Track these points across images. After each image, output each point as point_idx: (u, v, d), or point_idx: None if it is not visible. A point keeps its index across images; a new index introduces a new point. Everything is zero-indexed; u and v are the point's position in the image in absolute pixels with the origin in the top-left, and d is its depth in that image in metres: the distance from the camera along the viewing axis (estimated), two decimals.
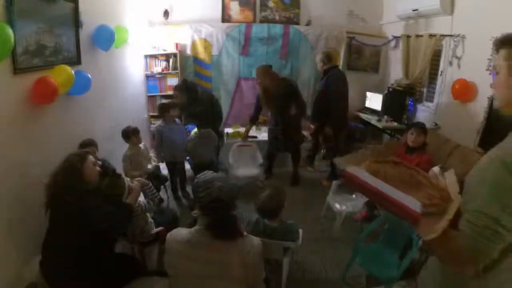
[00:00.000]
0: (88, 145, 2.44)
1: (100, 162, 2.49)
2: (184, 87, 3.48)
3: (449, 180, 0.81)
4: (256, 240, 1.39)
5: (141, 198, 2.13)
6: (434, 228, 0.71)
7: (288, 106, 3.41)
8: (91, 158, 1.82)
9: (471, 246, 0.79)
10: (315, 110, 3.74)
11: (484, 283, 0.89)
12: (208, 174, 1.41)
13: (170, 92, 4.29)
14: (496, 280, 0.88)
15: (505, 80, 0.87)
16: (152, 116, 4.45)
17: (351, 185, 0.78)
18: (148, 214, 2.21)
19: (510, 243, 0.83)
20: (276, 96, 3.39)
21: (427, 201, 0.74)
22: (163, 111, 3.19)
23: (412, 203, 0.69)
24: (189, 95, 3.43)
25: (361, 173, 0.73)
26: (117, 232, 1.76)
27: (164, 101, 4.08)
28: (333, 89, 3.41)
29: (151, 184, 2.24)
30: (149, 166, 3.02)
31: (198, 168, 3.23)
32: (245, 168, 3.63)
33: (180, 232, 1.38)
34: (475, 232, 0.79)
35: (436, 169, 0.85)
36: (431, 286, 1.05)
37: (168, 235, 1.38)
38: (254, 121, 3.80)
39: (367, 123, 4.42)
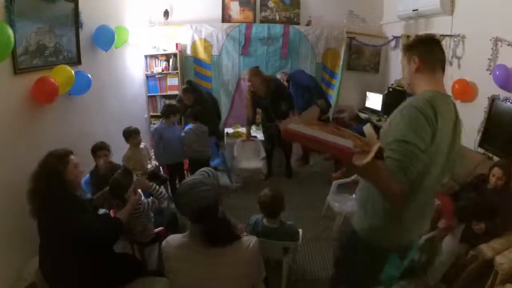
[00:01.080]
0: (101, 148, 2.39)
1: (117, 164, 2.44)
2: (191, 88, 3.53)
3: (367, 131, 0.97)
4: (252, 238, 1.39)
5: (143, 197, 2.12)
6: (364, 159, 0.86)
7: (280, 103, 3.59)
8: (72, 158, 1.69)
9: (398, 166, 1.02)
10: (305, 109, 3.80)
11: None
12: (188, 181, 1.36)
13: (171, 92, 4.32)
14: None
15: (406, 73, 1.30)
16: (153, 116, 4.45)
17: (291, 139, 0.97)
18: (150, 213, 2.20)
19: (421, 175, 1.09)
20: (268, 95, 3.52)
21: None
22: (169, 113, 3.17)
23: (344, 142, 0.86)
24: (195, 96, 3.49)
25: (300, 128, 0.92)
26: (100, 243, 1.68)
27: (169, 102, 4.09)
28: (301, 82, 3.92)
29: (155, 185, 2.19)
30: (149, 166, 3.02)
31: (194, 164, 3.20)
32: (248, 161, 3.72)
33: (176, 238, 1.36)
34: (400, 155, 1.03)
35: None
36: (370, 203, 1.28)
37: (164, 242, 1.36)
38: (251, 123, 3.87)
39: (367, 123, 4.42)
